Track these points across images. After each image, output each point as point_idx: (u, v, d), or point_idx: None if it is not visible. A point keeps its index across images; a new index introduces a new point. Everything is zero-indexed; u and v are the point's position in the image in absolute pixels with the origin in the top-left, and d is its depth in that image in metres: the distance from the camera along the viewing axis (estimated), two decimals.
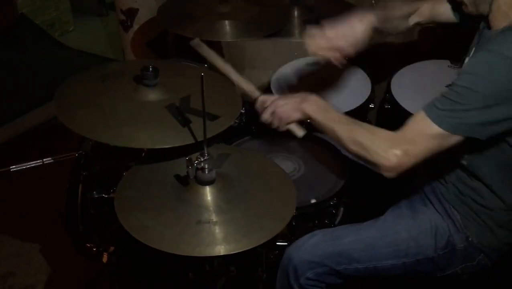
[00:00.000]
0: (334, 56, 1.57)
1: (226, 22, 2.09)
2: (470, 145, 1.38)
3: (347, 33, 1.55)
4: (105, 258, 1.72)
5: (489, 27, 1.42)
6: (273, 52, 2.65)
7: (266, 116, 1.53)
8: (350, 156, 1.74)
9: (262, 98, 1.56)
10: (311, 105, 1.47)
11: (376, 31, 1.60)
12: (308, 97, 1.50)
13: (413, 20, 1.68)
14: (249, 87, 1.61)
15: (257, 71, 2.91)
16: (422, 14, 1.67)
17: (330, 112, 1.45)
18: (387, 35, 1.74)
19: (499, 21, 1.36)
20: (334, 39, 1.55)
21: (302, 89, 2.03)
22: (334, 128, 1.40)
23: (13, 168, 1.64)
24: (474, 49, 1.46)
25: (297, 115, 1.50)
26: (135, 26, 2.67)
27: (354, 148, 1.35)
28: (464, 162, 1.43)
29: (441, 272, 1.50)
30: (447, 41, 1.87)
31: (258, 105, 1.56)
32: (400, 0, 1.67)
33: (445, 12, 1.62)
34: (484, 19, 1.42)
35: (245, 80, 1.63)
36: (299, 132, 1.54)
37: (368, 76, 2.17)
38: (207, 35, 2.09)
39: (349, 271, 1.49)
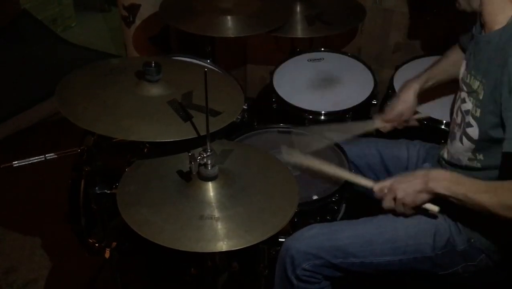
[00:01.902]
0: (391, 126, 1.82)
1: (229, 17, 2.09)
2: (485, 149, 1.39)
3: (401, 112, 1.78)
4: (107, 254, 1.72)
5: (482, 28, 1.42)
6: (276, 48, 2.65)
7: (387, 204, 1.44)
8: (350, 153, 1.76)
9: (378, 187, 1.47)
10: (440, 182, 1.35)
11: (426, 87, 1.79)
12: (432, 174, 1.39)
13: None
14: (360, 180, 1.55)
15: (260, 67, 2.92)
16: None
17: (464, 183, 1.33)
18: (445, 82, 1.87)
19: (493, 16, 1.36)
20: (394, 120, 1.80)
21: (303, 87, 2.04)
22: (478, 200, 1.29)
23: (15, 163, 1.64)
24: (472, 55, 1.45)
25: (424, 198, 1.39)
26: (137, 22, 2.66)
27: (508, 213, 1.26)
28: (475, 165, 1.44)
29: (442, 270, 1.50)
30: (450, 37, 1.87)
31: (376, 194, 1.48)
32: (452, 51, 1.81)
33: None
34: (476, 19, 1.43)
35: (354, 175, 1.60)
36: (434, 208, 1.42)
37: (371, 72, 2.16)
38: (209, 31, 2.09)
39: (345, 265, 1.49)
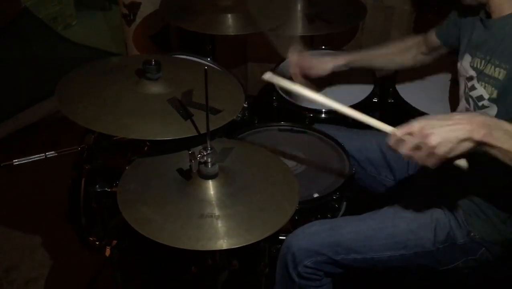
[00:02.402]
0: (294, 76, 1.85)
1: (229, 15, 2.09)
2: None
3: (313, 65, 1.85)
4: (107, 252, 1.72)
5: (488, 16, 1.42)
6: (276, 46, 2.64)
7: (408, 151, 1.15)
8: (351, 148, 1.75)
9: (402, 131, 1.17)
10: (493, 131, 1.12)
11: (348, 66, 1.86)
12: (476, 118, 1.14)
13: (415, 51, 1.83)
14: (377, 123, 1.25)
15: (260, 65, 2.91)
16: (421, 45, 1.81)
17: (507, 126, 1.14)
18: (383, 70, 2.00)
19: (502, 7, 1.38)
20: (303, 67, 1.85)
21: (305, 83, 2.04)
22: None
23: (16, 161, 1.64)
24: (481, 40, 1.45)
25: (467, 148, 1.13)
26: (138, 20, 2.66)
27: None
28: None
29: (442, 266, 1.50)
30: None
31: (393, 141, 1.19)
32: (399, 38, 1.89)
33: (434, 39, 1.75)
34: (483, 8, 1.43)
35: (373, 119, 1.27)
36: (463, 163, 1.17)
37: (372, 70, 2.16)
38: (210, 29, 2.09)
39: (347, 261, 1.49)
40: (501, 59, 1.38)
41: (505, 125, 1.14)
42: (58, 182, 1.78)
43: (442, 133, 1.12)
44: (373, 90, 2.04)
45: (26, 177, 2.43)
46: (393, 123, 1.93)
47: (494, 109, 1.41)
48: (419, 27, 2.51)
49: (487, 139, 1.12)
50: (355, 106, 1.94)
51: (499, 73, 1.38)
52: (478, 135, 1.11)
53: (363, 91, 2.03)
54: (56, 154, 1.68)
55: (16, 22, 3.66)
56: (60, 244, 2.23)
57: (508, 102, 1.37)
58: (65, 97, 1.45)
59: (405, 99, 1.96)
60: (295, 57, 1.87)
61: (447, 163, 1.15)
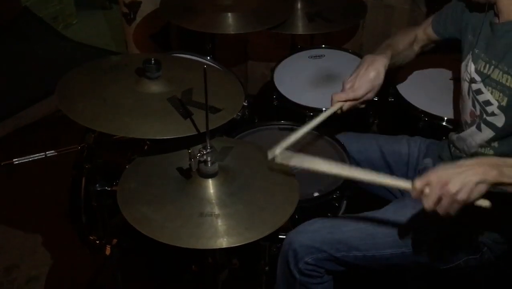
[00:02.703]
0: (352, 106, 1.59)
1: (229, 14, 2.09)
2: (504, 137, 1.38)
3: (363, 83, 1.56)
4: (108, 251, 1.72)
5: (497, 17, 1.42)
6: (276, 44, 2.64)
7: (431, 203, 1.18)
8: (352, 150, 1.75)
9: (420, 183, 1.19)
10: (503, 169, 1.17)
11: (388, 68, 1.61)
12: (484, 161, 1.22)
13: (416, 46, 1.76)
14: (394, 182, 1.27)
15: (260, 64, 2.91)
16: (420, 39, 1.75)
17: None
18: (398, 67, 1.78)
19: (510, 8, 1.36)
20: (352, 93, 1.57)
21: (304, 84, 2.04)
22: None
23: (16, 160, 1.65)
24: (486, 43, 1.45)
25: (482, 190, 1.17)
26: (138, 19, 2.66)
27: None
28: (486, 152, 1.44)
29: (444, 264, 1.50)
30: None
31: (415, 194, 1.21)
32: (400, 33, 1.77)
33: (431, 33, 1.71)
34: (491, 8, 1.42)
35: (389, 177, 1.29)
36: (485, 203, 1.19)
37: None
38: (210, 28, 2.09)
39: (348, 258, 1.49)
40: (510, 65, 1.37)
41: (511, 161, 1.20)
42: (59, 181, 1.78)
43: (459, 179, 1.16)
44: None
45: (27, 176, 2.43)
46: (394, 121, 1.93)
47: (502, 118, 1.41)
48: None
49: (499, 179, 1.17)
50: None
51: (507, 80, 1.38)
52: (491, 177, 1.16)
53: None
54: (56, 153, 1.68)
55: (17, 21, 3.66)
56: (61, 243, 2.23)
57: None
58: (65, 96, 1.45)
59: (405, 98, 1.95)
60: (346, 106, 1.59)
61: (473, 207, 1.19)
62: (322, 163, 1.33)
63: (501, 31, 1.41)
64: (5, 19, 3.61)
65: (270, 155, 1.36)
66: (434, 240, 1.46)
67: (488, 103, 1.44)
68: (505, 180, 1.17)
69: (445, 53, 2.03)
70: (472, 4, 1.51)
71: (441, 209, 1.18)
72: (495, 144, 1.44)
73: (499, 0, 1.40)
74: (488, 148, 1.46)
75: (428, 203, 1.19)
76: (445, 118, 1.86)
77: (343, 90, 1.59)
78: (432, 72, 2.09)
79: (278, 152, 1.36)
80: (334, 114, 1.59)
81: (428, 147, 1.74)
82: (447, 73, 2.07)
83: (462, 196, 1.15)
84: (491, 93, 1.42)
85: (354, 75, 1.59)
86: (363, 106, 1.62)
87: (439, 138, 1.76)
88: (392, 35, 1.80)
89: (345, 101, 1.57)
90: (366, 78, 1.56)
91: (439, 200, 1.17)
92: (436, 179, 1.18)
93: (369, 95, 1.58)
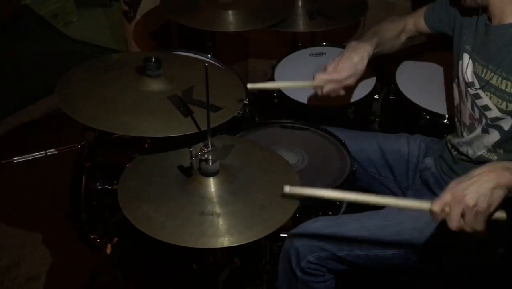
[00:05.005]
0: (332, 89, 1.63)
1: (230, 12, 2.08)
2: (509, 142, 1.38)
3: (345, 66, 1.61)
4: (108, 249, 1.72)
5: (489, 19, 1.41)
6: (277, 42, 2.64)
7: (456, 223, 1.13)
8: (352, 149, 1.75)
9: (438, 206, 1.15)
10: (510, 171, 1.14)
11: (373, 55, 1.66)
12: (494, 166, 1.17)
13: (404, 36, 1.76)
14: (411, 204, 1.22)
15: (261, 62, 2.91)
16: (409, 30, 1.75)
17: None
18: (384, 54, 1.78)
19: (502, 12, 1.36)
20: (334, 73, 1.62)
21: (307, 79, 2.03)
22: None
23: (16, 159, 1.64)
24: (481, 46, 1.44)
25: (500, 194, 1.13)
26: (138, 17, 2.66)
27: None
28: (491, 158, 1.44)
29: (446, 265, 1.49)
30: None
31: (436, 217, 1.16)
32: (389, 21, 1.77)
33: (423, 24, 1.71)
34: (484, 11, 1.42)
35: (405, 199, 1.31)
36: (502, 215, 1.16)
37: (373, 66, 2.15)
38: (210, 25, 2.08)
39: (350, 257, 1.49)
40: (509, 72, 1.36)
41: None
42: (59, 180, 1.78)
43: (474, 190, 1.12)
44: (374, 87, 2.03)
45: (27, 174, 2.43)
46: (395, 119, 1.93)
47: (509, 121, 1.40)
48: None
49: None
50: (356, 103, 1.94)
51: (506, 86, 1.37)
52: (504, 179, 1.13)
53: (364, 87, 2.03)
54: (57, 152, 1.68)
55: (16, 19, 3.66)
56: (61, 241, 2.23)
57: None
58: (65, 94, 1.45)
59: (406, 96, 1.95)
60: (326, 87, 1.62)
61: (490, 221, 1.15)
62: (335, 192, 1.28)
63: (494, 34, 1.40)
64: (5, 17, 3.61)
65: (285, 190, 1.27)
66: (437, 240, 1.46)
67: (486, 108, 1.44)
68: None
69: (447, 51, 2.02)
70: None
71: (467, 227, 1.13)
72: (501, 150, 1.43)
73: (491, 3, 1.39)
74: (494, 154, 1.45)
75: (452, 224, 1.14)
76: (446, 116, 1.86)
77: (325, 71, 1.62)
78: (434, 69, 2.08)
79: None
80: (315, 94, 1.67)
81: (428, 145, 1.73)
82: (448, 71, 2.06)
83: (481, 206, 1.11)
84: (490, 98, 1.42)
85: (338, 59, 1.63)
86: (343, 92, 1.65)
87: (440, 136, 1.76)
88: (380, 22, 1.78)
89: (327, 82, 1.61)
90: (349, 62, 1.61)
91: (462, 217, 1.13)
92: (451, 197, 1.14)
93: (351, 80, 1.62)
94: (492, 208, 1.13)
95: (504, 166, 1.16)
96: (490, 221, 1.14)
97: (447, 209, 1.14)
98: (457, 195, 1.13)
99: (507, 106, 1.39)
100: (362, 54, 1.61)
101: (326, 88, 1.62)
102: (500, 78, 1.39)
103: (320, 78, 1.62)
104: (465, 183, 1.14)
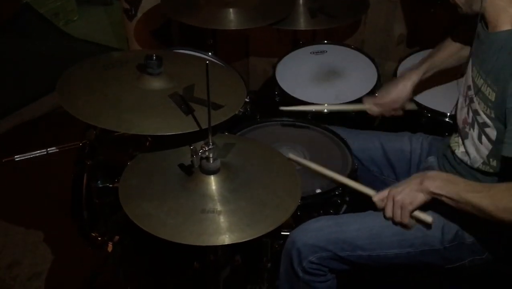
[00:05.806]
0: (379, 111, 1.85)
1: (231, 10, 2.08)
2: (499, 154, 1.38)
3: (394, 99, 1.80)
4: (110, 248, 1.72)
5: (486, 27, 1.41)
6: (278, 40, 2.64)
7: (388, 212, 1.43)
8: (354, 147, 1.75)
9: (378, 197, 1.47)
10: (434, 181, 1.36)
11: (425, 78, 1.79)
12: (427, 174, 1.39)
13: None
14: (361, 187, 1.53)
15: (262, 60, 2.90)
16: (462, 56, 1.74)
17: (457, 183, 1.35)
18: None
19: (497, 19, 1.35)
20: (378, 98, 1.84)
21: (306, 80, 2.04)
22: (472, 200, 1.29)
23: (17, 157, 1.64)
24: (477, 53, 1.44)
25: (420, 197, 1.38)
26: (139, 15, 2.65)
27: (506, 215, 1.25)
28: (487, 170, 1.44)
29: (448, 264, 1.49)
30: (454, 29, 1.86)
31: (377, 205, 1.47)
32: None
33: None
34: (480, 20, 1.41)
35: (354, 181, 1.56)
36: (427, 218, 1.42)
37: (374, 64, 2.15)
38: (211, 23, 2.08)
39: (353, 258, 1.49)
40: (493, 81, 1.37)
41: (457, 179, 1.37)
42: (60, 178, 1.78)
43: (401, 189, 1.41)
44: (375, 85, 2.03)
45: (28, 173, 2.43)
46: (396, 118, 1.92)
47: (493, 131, 1.39)
48: (421, 22, 2.50)
49: (433, 190, 1.35)
50: (358, 101, 1.94)
51: (489, 94, 1.38)
52: (431, 187, 1.36)
53: (365, 85, 2.02)
54: (58, 150, 1.68)
55: (17, 17, 3.65)
56: (62, 239, 2.23)
57: (502, 124, 1.36)
58: (67, 92, 1.45)
59: None
60: (375, 109, 1.85)
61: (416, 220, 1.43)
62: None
63: (488, 41, 1.41)
64: (6, 16, 3.61)
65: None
66: (439, 240, 1.45)
67: (476, 112, 1.44)
68: (442, 193, 1.34)
69: None
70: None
71: (396, 218, 1.43)
72: (494, 163, 1.42)
73: (486, 11, 1.39)
74: (488, 167, 1.44)
75: (386, 214, 1.45)
76: (448, 114, 1.86)
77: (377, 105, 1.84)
78: None
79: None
80: (363, 112, 1.88)
81: (431, 144, 1.73)
82: (450, 69, 2.06)
83: (404, 202, 1.39)
84: (479, 104, 1.43)
85: (387, 85, 1.84)
86: (395, 113, 1.84)
87: (442, 134, 1.75)
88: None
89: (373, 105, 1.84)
90: (394, 88, 1.80)
91: (392, 210, 1.42)
92: (387, 193, 1.44)
93: (395, 105, 1.81)
94: (412, 206, 1.39)
95: (431, 176, 1.38)
96: (418, 221, 1.43)
97: (382, 202, 1.45)
98: (392, 192, 1.43)
99: (491, 113, 1.39)
100: (406, 83, 1.77)
101: (374, 111, 1.85)
102: (485, 85, 1.39)
103: (367, 101, 1.86)
104: (401, 185, 1.42)
